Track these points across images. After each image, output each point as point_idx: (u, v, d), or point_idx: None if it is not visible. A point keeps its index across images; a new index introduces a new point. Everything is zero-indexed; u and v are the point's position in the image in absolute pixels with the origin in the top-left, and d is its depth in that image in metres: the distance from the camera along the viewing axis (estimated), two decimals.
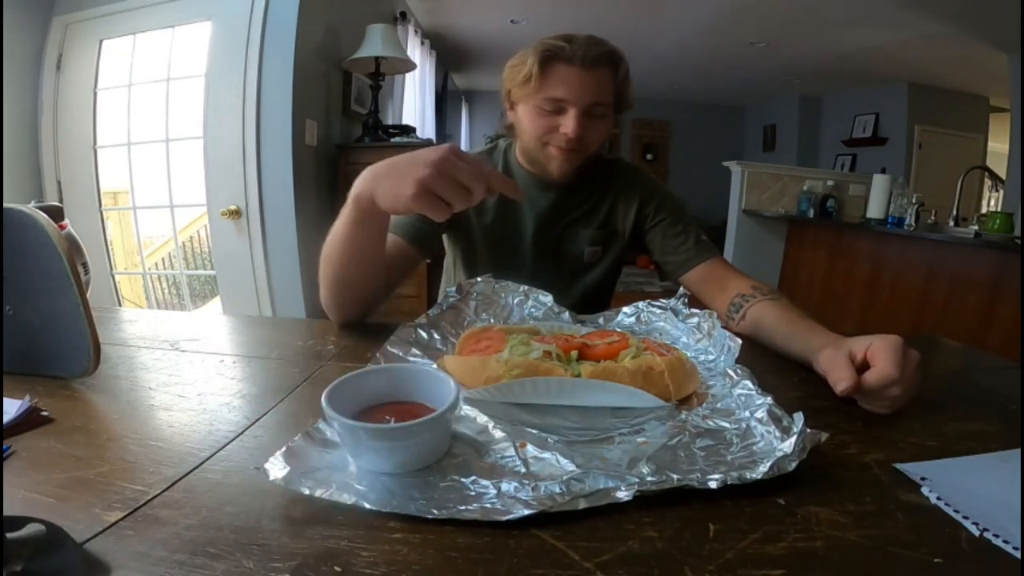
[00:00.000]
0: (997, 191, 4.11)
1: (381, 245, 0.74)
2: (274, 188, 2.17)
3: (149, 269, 2.58)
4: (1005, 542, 0.35)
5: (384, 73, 2.59)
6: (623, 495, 0.38)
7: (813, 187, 3.84)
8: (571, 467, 0.41)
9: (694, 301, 0.77)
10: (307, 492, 0.37)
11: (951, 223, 3.12)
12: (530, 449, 0.44)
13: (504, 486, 0.39)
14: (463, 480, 0.40)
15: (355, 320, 0.81)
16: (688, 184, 6.77)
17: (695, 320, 0.71)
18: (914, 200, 2.98)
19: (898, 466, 0.44)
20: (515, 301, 0.76)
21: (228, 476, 0.41)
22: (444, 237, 1.05)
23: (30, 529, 0.31)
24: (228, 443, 0.46)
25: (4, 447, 0.43)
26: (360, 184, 0.64)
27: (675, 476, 0.39)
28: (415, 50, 3.78)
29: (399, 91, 3.61)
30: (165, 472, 0.41)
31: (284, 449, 0.40)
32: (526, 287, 0.77)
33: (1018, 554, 0.34)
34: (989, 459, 0.46)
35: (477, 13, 4.23)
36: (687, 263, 0.95)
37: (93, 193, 2.30)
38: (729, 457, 0.43)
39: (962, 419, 0.54)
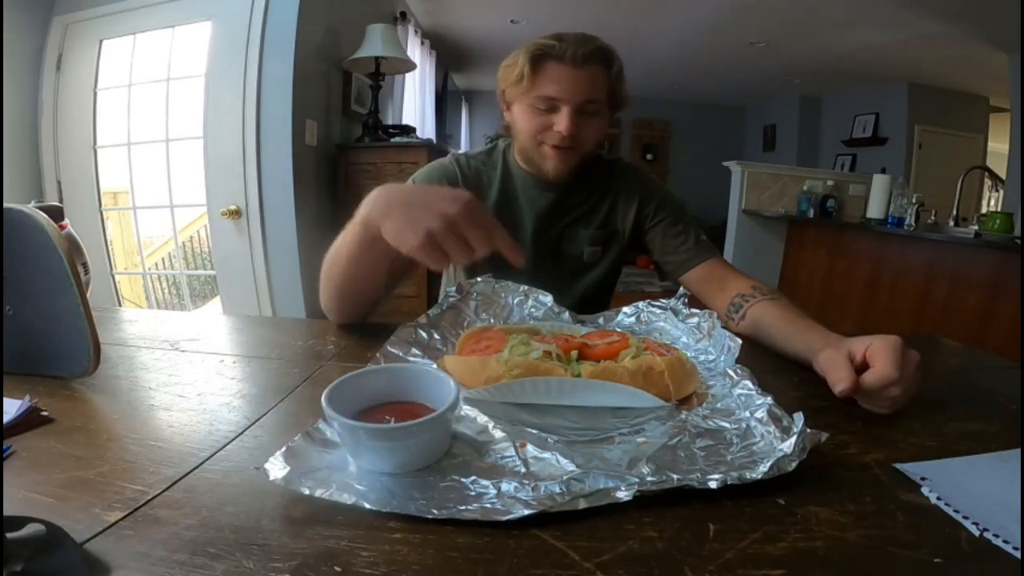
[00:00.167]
0: (997, 191, 4.12)
1: (385, 264, 0.72)
2: (274, 188, 2.17)
3: (149, 269, 2.58)
4: (1005, 542, 0.35)
5: (384, 73, 2.59)
6: (623, 495, 0.38)
7: (813, 187, 3.84)
8: (571, 467, 0.41)
9: (694, 301, 0.77)
10: (307, 492, 0.37)
11: (951, 223, 3.12)
12: (530, 449, 0.44)
13: (504, 486, 0.39)
14: (463, 480, 0.40)
15: (354, 322, 0.81)
16: (688, 184, 6.77)
17: (695, 320, 0.71)
18: (914, 200, 2.98)
19: (898, 466, 0.44)
20: (515, 301, 0.76)
21: (228, 476, 0.41)
22: None
23: (30, 529, 0.31)
24: (228, 443, 0.46)
25: (4, 447, 0.43)
26: (370, 210, 0.62)
27: (675, 476, 0.39)
28: (415, 50, 3.78)
29: (399, 91, 3.61)
30: (165, 472, 0.41)
31: (284, 449, 0.40)
32: (526, 287, 0.77)
33: (1018, 554, 0.34)
34: (989, 459, 0.46)
35: (477, 13, 4.23)
36: (687, 263, 0.95)
37: (93, 193, 2.30)
38: (729, 457, 0.43)
39: (962, 419, 0.54)
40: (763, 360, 0.70)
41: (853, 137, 5.94)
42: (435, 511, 0.36)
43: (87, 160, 2.27)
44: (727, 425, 0.48)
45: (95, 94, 2.24)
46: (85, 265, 0.77)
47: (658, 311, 0.76)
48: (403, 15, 3.56)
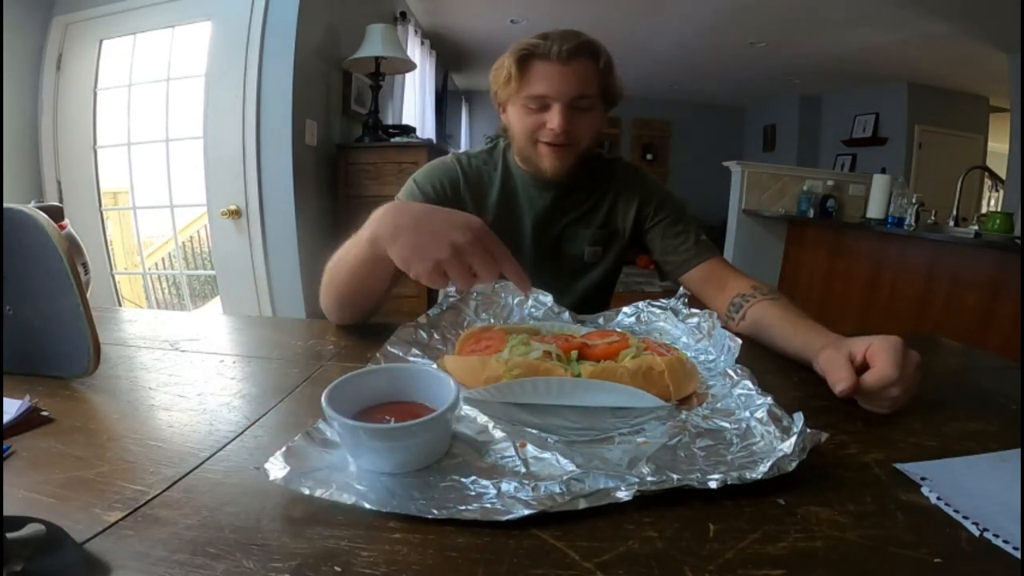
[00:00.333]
0: (997, 191, 4.12)
1: (388, 278, 0.70)
2: (274, 188, 2.17)
3: (149, 269, 2.58)
4: (1005, 542, 0.35)
5: (384, 73, 2.59)
6: (623, 495, 0.38)
7: (813, 187, 3.84)
8: (571, 467, 0.41)
9: (694, 301, 0.77)
10: (307, 492, 0.37)
11: (951, 223, 3.12)
12: (530, 449, 0.44)
13: (504, 486, 0.39)
14: (463, 480, 0.40)
15: (354, 324, 0.81)
16: (688, 184, 6.77)
17: (695, 320, 0.71)
18: (914, 200, 2.98)
19: (898, 466, 0.44)
20: (515, 301, 0.76)
21: (228, 476, 0.41)
22: None
23: (30, 529, 0.31)
24: (228, 443, 0.46)
25: (4, 447, 0.43)
26: (378, 230, 0.60)
27: (675, 476, 0.39)
28: (415, 50, 3.78)
29: (399, 91, 3.61)
30: (165, 472, 0.41)
31: (284, 449, 0.40)
32: None
33: (1018, 554, 0.34)
34: (989, 459, 0.46)
35: (477, 13, 4.23)
36: (687, 263, 0.95)
37: (93, 193, 2.30)
38: (729, 457, 0.43)
39: (962, 419, 0.54)
40: (763, 360, 0.70)
41: (853, 137, 5.94)
42: (435, 511, 0.36)
43: (87, 160, 2.27)
44: (727, 425, 0.48)
45: (95, 94, 2.24)
46: (85, 265, 0.77)
47: (658, 311, 0.76)
48: (403, 15, 3.56)
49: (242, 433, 0.48)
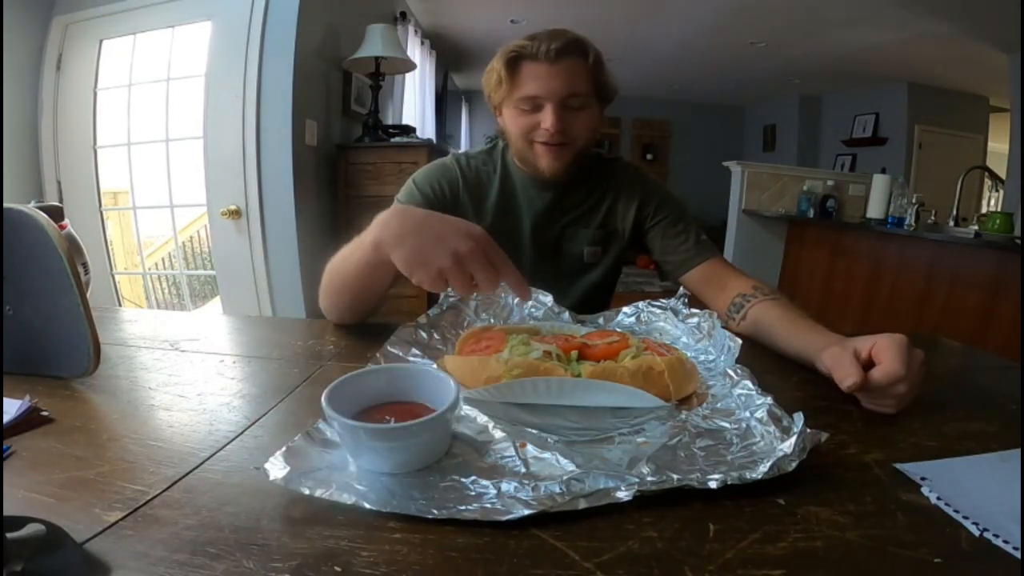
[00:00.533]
0: (997, 191, 4.12)
1: (389, 280, 0.70)
2: (274, 188, 2.17)
3: (149, 269, 2.58)
4: (1005, 542, 0.35)
5: (384, 73, 2.59)
6: (623, 495, 0.38)
7: (813, 187, 3.84)
8: (571, 467, 0.41)
9: (694, 301, 0.77)
10: (307, 492, 0.37)
11: (951, 223, 3.12)
12: (530, 449, 0.44)
13: (504, 486, 0.39)
14: (463, 480, 0.40)
15: (353, 324, 0.81)
16: (688, 184, 6.77)
17: (695, 320, 0.71)
18: (914, 200, 2.98)
19: (898, 466, 0.44)
20: (515, 301, 0.76)
21: (228, 476, 0.41)
22: None
23: (30, 529, 0.31)
24: (228, 443, 0.46)
25: (4, 447, 0.43)
26: (382, 235, 0.61)
27: (675, 476, 0.39)
28: (415, 50, 3.78)
29: (399, 91, 3.60)
30: (165, 472, 0.41)
31: (284, 449, 0.40)
32: None
33: (1018, 554, 0.34)
34: (989, 459, 0.46)
35: (477, 13, 4.23)
36: (687, 263, 0.95)
37: (93, 193, 2.30)
38: (729, 457, 0.43)
39: (962, 419, 0.54)
40: (763, 360, 0.70)
41: (853, 137, 5.94)
42: (435, 511, 0.36)
43: (87, 160, 2.27)
44: (727, 425, 0.48)
45: (95, 94, 2.24)
46: (85, 265, 0.77)
47: (658, 311, 0.76)
48: (403, 15, 3.56)
49: (242, 433, 0.48)
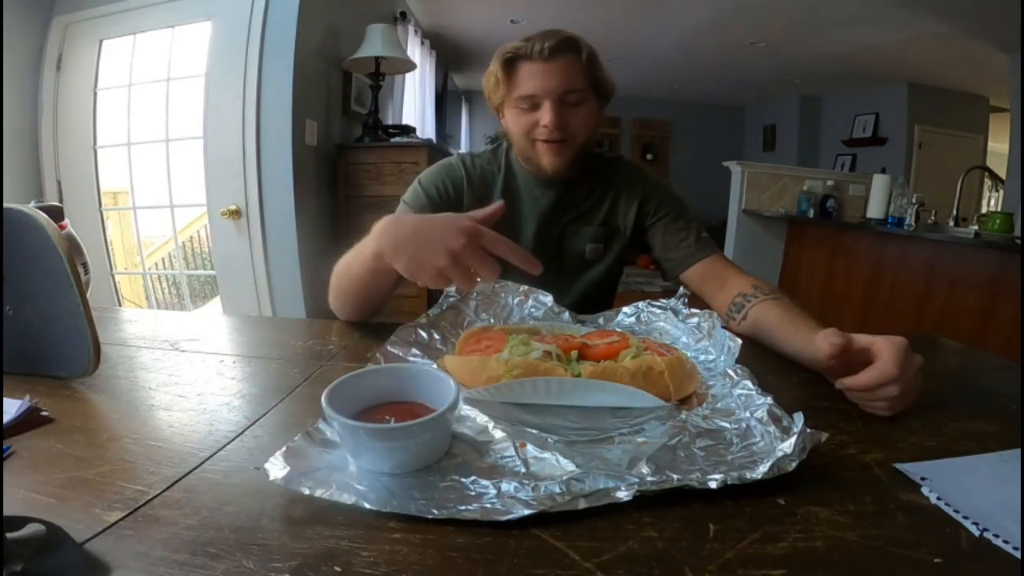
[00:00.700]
0: (997, 191, 4.11)
1: (394, 280, 0.74)
2: (274, 188, 2.17)
3: (149, 269, 2.57)
4: (1005, 542, 0.35)
5: (384, 73, 2.59)
6: (623, 495, 0.38)
7: (813, 187, 3.84)
8: (571, 467, 0.41)
9: (694, 300, 0.77)
10: (307, 492, 0.37)
11: (951, 223, 3.12)
12: (530, 449, 0.44)
13: (504, 486, 0.39)
14: (463, 480, 0.40)
15: (362, 321, 0.84)
16: (688, 184, 6.75)
17: (695, 320, 0.71)
18: (914, 200, 2.98)
19: (898, 466, 0.44)
20: (515, 301, 0.76)
21: (228, 476, 0.41)
22: None
23: (30, 529, 0.31)
24: (228, 443, 0.46)
25: (4, 447, 0.43)
26: (381, 245, 0.63)
27: (675, 476, 0.39)
28: (415, 50, 3.78)
29: (399, 91, 3.60)
30: (165, 472, 0.41)
31: (284, 449, 0.40)
32: (526, 287, 0.77)
33: (1018, 554, 0.34)
34: (989, 459, 0.46)
35: (477, 13, 4.23)
36: (687, 260, 0.96)
37: (93, 193, 2.30)
38: (729, 457, 0.43)
39: (962, 419, 0.54)
40: (763, 360, 0.70)
41: (853, 137, 5.93)
42: (435, 511, 0.36)
43: (87, 160, 2.27)
44: (727, 425, 0.48)
45: (95, 94, 2.24)
46: (85, 265, 0.77)
47: (658, 311, 0.76)
48: (403, 15, 3.56)
49: (242, 433, 0.48)
